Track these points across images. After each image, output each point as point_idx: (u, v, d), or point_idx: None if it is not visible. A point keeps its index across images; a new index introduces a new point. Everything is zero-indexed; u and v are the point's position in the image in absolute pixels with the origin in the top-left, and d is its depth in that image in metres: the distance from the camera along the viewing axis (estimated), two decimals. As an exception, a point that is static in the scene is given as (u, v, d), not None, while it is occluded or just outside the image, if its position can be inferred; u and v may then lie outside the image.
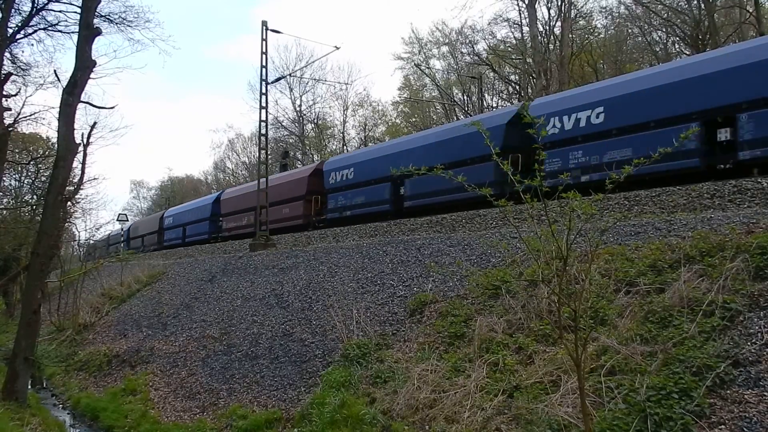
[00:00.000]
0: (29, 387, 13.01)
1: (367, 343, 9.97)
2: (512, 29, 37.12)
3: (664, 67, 14.83)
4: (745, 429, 5.29)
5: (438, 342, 9.17)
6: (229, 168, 70.05)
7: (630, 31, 34.39)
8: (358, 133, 53.09)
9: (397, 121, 52.13)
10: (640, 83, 13.51)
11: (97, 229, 35.92)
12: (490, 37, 39.26)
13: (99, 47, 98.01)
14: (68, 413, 14.02)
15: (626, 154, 12.77)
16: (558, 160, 14.34)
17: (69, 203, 22.34)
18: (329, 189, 22.94)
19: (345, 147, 51.16)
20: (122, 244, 43.56)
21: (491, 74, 41.22)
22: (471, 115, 36.58)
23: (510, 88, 41.86)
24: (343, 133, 53.04)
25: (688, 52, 28.78)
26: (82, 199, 29.54)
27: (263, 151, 24.19)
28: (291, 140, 53.89)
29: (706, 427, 5.49)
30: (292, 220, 24.43)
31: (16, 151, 28.41)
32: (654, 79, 13.31)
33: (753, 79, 11.30)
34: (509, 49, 38.06)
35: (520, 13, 35.39)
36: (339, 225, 21.09)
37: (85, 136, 19.07)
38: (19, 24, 16.29)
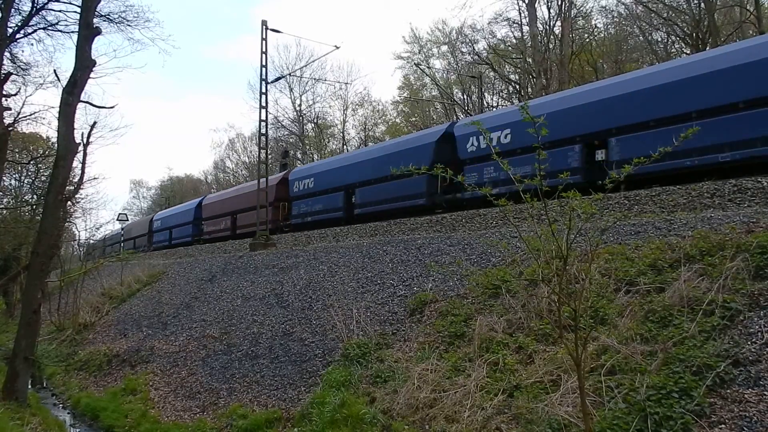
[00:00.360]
0: (29, 387, 13.00)
1: (367, 343, 9.97)
2: (512, 29, 37.16)
3: (557, 96, 17.07)
4: (745, 428, 5.29)
5: (438, 341, 9.17)
6: (229, 168, 70.12)
7: (630, 30, 34.38)
8: (358, 133, 53.16)
9: (397, 120, 52.15)
10: (536, 110, 14.42)
11: (97, 228, 36.04)
12: (490, 36, 39.31)
13: (99, 47, 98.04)
14: (68, 413, 14.03)
15: (527, 170, 13.77)
16: (476, 174, 16.37)
17: (69, 203, 22.35)
18: (293, 197, 24.88)
19: (345, 146, 51.19)
20: (122, 245, 44.05)
21: (491, 74, 41.21)
22: (471, 115, 36.63)
23: (510, 88, 41.87)
24: (343, 132, 53.10)
25: (688, 51, 28.77)
26: (82, 198, 29.61)
27: (263, 151, 24.22)
28: (291, 140, 53.90)
29: (706, 426, 5.49)
30: (262, 224, 25.68)
31: (16, 150, 28.43)
32: (547, 106, 14.95)
33: (619, 109, 13.30)
34: (509, 48, 38.06)
35: (520, 13, 35.44)
36: (302, 230, 23.06)
37: (85, 135, 19.07)
38: (19, 23, 16.31)
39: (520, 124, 14.60)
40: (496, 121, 16.22)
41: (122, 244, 44.26)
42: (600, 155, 13.73)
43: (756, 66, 11.15)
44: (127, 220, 43.53)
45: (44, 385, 17.16)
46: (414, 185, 17.99)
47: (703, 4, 27.30)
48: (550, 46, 34.19)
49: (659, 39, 33.64)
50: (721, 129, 11.37)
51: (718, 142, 11.42)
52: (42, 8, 16.16)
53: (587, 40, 35.58)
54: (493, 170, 15.89)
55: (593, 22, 36.82)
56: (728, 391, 5.71)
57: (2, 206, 28.97)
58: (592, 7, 36.75)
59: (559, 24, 33.04)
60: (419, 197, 18.22)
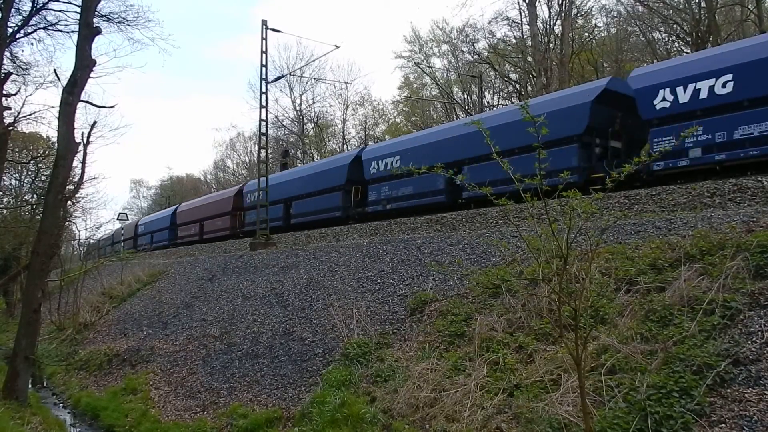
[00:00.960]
0: (30, 386, 13.01)
1: (368, 342, 9.98)
2: (512, 28, 37.13)
3: (432, 131, 21.01)
4: (745, 427, 5.29)
5: (438, 341, 9.17)
6: (229, 167, 70.16)
7: (631, 29, 34.36)
8: (359, 132, 53.18)
9: (398, 120, 52.15)
10: (417, 141, 19.83)
11: (97, 228, 36.15)
12: (490, 35, 39.28)
13: (99, 46, 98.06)
14: (69, 412, 14.04)
15: (410, 190, 19.09)
16: (375, 192, 20.45)
17: (69, 202, 22.36)
18: (246, 207, 28.47)
19: (345, 146, 51.20)
20: (122, 245, 44.81)
21: (491, 73, 41.19)
22: (471, 114, 36.66)
23: (510, 87, 41.85)
24: (343, 132, 53.13)
25: (688, 51, 28.75)
26: (83, 198, 29.62)
27: (263, 150, 24.24)
28: (291, 139, 53.91)
29: (707, 425, 5.49)
30: (222, 230, 30.65)
31: (17, 150, 28.47)
32: (424, 138, 19.59)
33: (470, 144, 16.47)
34: (509, 47, 38.04)
35: (520, 12, 35.41)
36: (252, 236, 26.24)
37: (85, 135, 19.07)
38: (19, 23, 16.31)
39: (407, 151, 19.32)
40: (390, 149, 20.56)
41: (123, 245, 45.37)
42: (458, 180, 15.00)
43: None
44: (127, 219, 44.26)
45: (44, 384, 17.17)
46: (332, 200, 22.12)
47: (703, 3, 27.27)
48: (551, 45, 34.16)
49: (659, 38, 33.62)
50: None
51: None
52: (42, 8, 16.17)
53: (588, 39, 35.54)
54: (387, 189, 20.00)
55: (594, 22, 36.80)
56: (728, 390, 5.71)
57: (2, 206, 28.99)
58: (593, 6, 36.60)
59: (560, 23, 33.01)
60: (336, 210, 22.09)
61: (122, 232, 46.05)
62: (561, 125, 13.69)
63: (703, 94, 13.05)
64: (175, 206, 40.93)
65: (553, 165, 13.61)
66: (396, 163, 19.43)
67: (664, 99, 14.15)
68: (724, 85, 12.33)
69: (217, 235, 29.75)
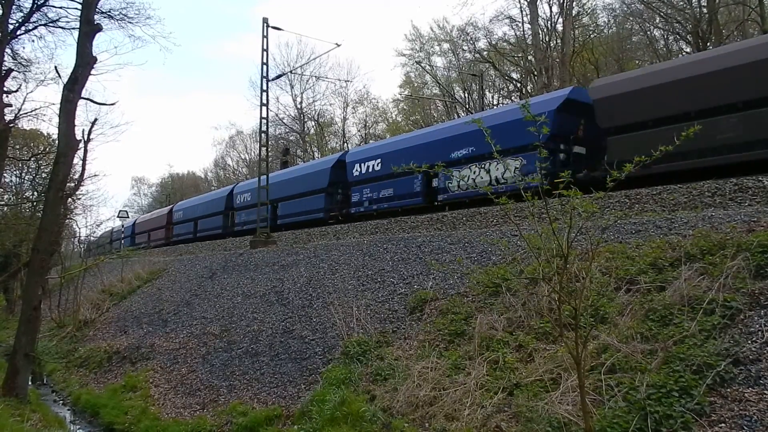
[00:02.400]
0: (30, 383, 13.02)
1: (368, 341, 9.98)
2: (513, 27, 37.07)
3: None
4: (745, 427, 5.29)
5: (438, 339, 9.18)
6: (230, 165, 70.15)
7: (632, 28, 34.29)
8: (359, 130, 53.17)
9: (398, 118, 52.11)
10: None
11: (98, 225, 36.21)
12: (491, 34, 39.24)
13: (99, 43, 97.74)
14: (69, 409, 14.04)
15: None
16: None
17: (69, 200, 22.32)
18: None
19: (346, 144, 51.22)
20: (122, 242, 45.34)
21: (492, 72, 41.14)
22: (471, 113, 36.62)
23: (511, 86, 41.81)
24: (343, 130, 53.12)
25: (689, 50, 28.70)
26: (83, 195, 29.57)
27: (264, 148, 24.24)
28: (292, 137, 53.91)
29: (707, 425, 5.49)
30: (159, 239, 38.04)
31: (17, 147, 28.43)
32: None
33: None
34: (510, 46, 37.98)
35: (521, 11, 35.34)
36: (185, 242, 32.63)
37: (86, 132, 19.11)
38: (20, 20, 16.30)
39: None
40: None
41: (122, 242, 46.37)
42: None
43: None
44: (128, 217, 45.06)
45: (44, 381, 17.18)
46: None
47: (704, 2, 27.21)
48: (552, 44, 34.11)
49: (660, 37, 33.56)
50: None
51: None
52: (43, 5, 16.15)
53: (589, 37, 35.46)
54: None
55: (596, 20, 36.69)
56: (728, 390, 5.71)
57: (3, 203, 28.97)
58: (595, 4, 36.39)
59: (561, 22, 32.95)
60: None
61: (122, 229, 46.59)
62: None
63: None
64: (136, 217, 46.03)
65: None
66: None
67: (356, 170, 19.72)
68: (378, 165, 19.95)
69: (156, 243, 34.52)
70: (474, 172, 16.52)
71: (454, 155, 16.94)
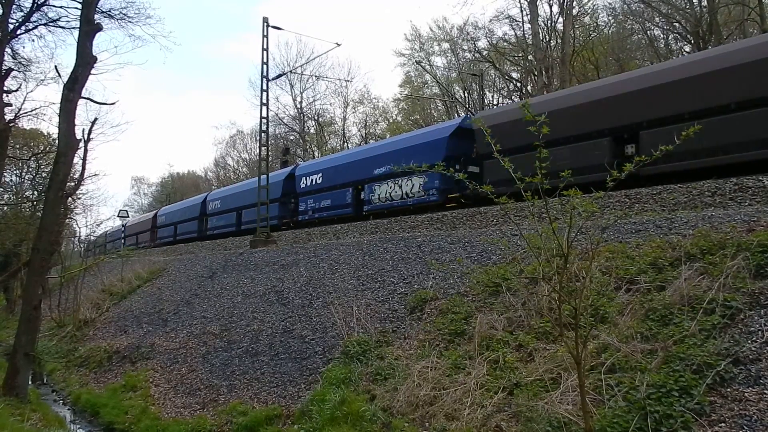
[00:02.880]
0: (30, 383, 13.02)
1: (368, 340, 9.98)
2: (513, 26, 37.05)
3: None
4: (745, 427, 5.29)
5: (438, 339, 9.17)
6: (230, 165, 70.12)
7: (632, 27, 34.26)
8: (359, 130, 53.16)
9: (398, 118, 52.09)
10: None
11: (98, 225, 36.25)
12: (491, 34, 39.21)
13: (100, 43, 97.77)
14: (69, 409, 14.04)
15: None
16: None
17: (70, 199, 22.33)
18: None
19: (346, 143, 51.26)
20: (123, 242, 45.82)
21: (492, 72, 41.12)
22: (471, 112, 36.63)
23: (511, 86, 41.81)
24: (343, 129, 53.11)
25: (689, 50, 28.68)
26: (83, 195, 29.60)
27: (263, 148, 24.24)
28: (292, 137, 53.90)
29: (706, 425, 5.49)
30: (145, 241, 40.72)
31: (17, 146, 28.41)
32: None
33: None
34: (510, 46, 37.96)
35: (521, 10, 35.32)
36: (167, 245, 35.42)
37: (86, 132, 19.14)
38: (20, 19, 16.29)
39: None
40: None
41: (114, 243, 47.72)
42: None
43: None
44: (128, 216, 45.32)
45: (44, 381, 17.17)
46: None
47: (704, 1, 27.19)
48: (552, 43, 34.09)
49: (661, 36, 33.54)
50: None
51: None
52: (43, 4, 16.13)
53: (590, 37, 35.43)
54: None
55: (596, 20, 36.66)
56: (728, 389, 5.71)
57: (3, 202, 28.98)
58: (596, 4, 36.39)
59: (561, 21, 32.93)
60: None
61: (114, 232, 48.17)
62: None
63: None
64: (155, 210, 48.32)
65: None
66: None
67: (304, 182, 23.15)
68: (319, 179, 22.90)
69: (142, 246, 36.63)
70: (390, 187, 19.53)
71: (377, 172, 20.05)
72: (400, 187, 19.02)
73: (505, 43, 38.28)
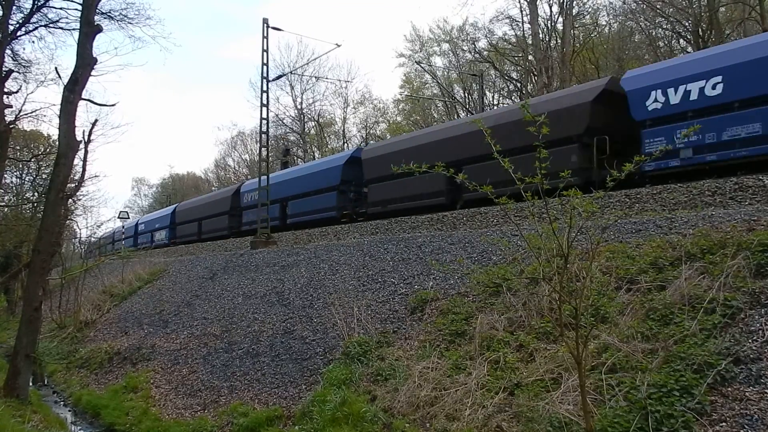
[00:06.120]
0: (30, 384, 13.02)
1: (368, 341, 9.98)
2: (513, 27, 37.07)
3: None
4: (746, 426, 5.29)
5: (439, 340, 9.17)
6: (230, 165, 70.16)
7: (632, 27, 34.26)
8: (360, 131, 53.18)
9: (398, 119, 52.11)
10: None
11: (98, 226, 36.25)
12: (491, 34, 39.23)
13: (100, 44, 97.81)
14: (69, 410, 14.05)
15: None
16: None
17: (70, 200, 22.36)
18: (139, 233, 42.79)
19: (346, 144, 51.28)
20: (122, 243, 46.05)
21: (492, 72, 41.15)
22: (472, 113, 36.67)
23: (511, 86, 41.82)
24: (343, 130, 53.14)
25: (690, 50, 28.68)
26: (84, 196, 29.70)
27: (264, 149, 24.25)
28: (292, 138, 53.93)
29: (707, 424, 5.49)
30: (130, 245, 42.10)
31: (18, 148, 28.50)
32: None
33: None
34: (510, 46, 37.98)
35: (521, 11, 35.34)
36: (146, 249, 36.09)
37: (87, 133, 19.16)
38: (20, 21, 16.33)
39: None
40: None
41: (124, 242, 46.65)
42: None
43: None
44: (128, 217, 45.88)
45: (45, 382, 17.19)
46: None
47: (704, 1, 27.18)
48: (552, 43, 34.10)
49: (661, 35, 33.52)
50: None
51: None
52: (43, 5, 16.18)
53: (591, 37, 35.44)
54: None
55: (596, 19, 36.65)
56: (729, 389, 5.71)
57: (3, 204, 29.02)
58: (597, 5, 36.34)
59: (561, 21, 32.94)
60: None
61: (106, 236, 48.58)
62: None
63: (144, 227, 40.35)
64: (137, 219, 51.85)
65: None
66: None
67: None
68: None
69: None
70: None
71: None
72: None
73: (505, 44, 38.31)
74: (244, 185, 30.44)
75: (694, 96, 12.01)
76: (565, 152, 13.43)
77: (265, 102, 23.22)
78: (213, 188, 63.79)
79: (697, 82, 11.97)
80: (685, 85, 12.18)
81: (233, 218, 29.66)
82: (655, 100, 12.63)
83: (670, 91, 12.36)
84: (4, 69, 15.74)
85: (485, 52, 39.66)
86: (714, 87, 11.73)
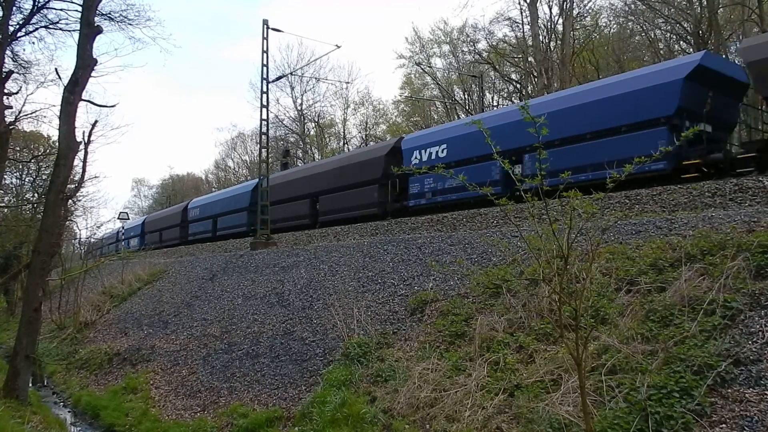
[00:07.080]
0: (30, 385, 13.00)
1: (368, 342, 9.97)
2: (513, 28, 37.10)
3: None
4: (746, 428, 5.29)
5: (439, 341, 9.17)
6: (230, 167, 70.20)
7: (632, 28, 34.29)
8: (360, 132, 53.19)
9: (398, 120, 52.12)
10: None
11: (98, 227, 36.23)
12: (491, 36, 39.27)
13: (100, 45, 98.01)
14: (69, 411, 14.04)
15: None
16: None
17: (70, 201, 22.36)
18: (190, 220, 40.11)
19: (346, 145, 51.29)
20: (122, 245, 46.29)
21: (492, 73, 41.17)
22: (472, 114, 36.70)
23: (511, 87, 41.83)
24: (343, 131, 53.16)
25: (690, 51, 28.69)
26: (83, 197, 29.70)
27: (264, 150, 24.25)
28: (292, 139, 53.95)
29: (707, 425, 5.48)
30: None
31: (18, 149, 28.51)
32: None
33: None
34: (510, 47, 38.00)
35: (521, 12, 35.38)
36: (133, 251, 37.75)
37: (87, 134, 19.11)
38: (20, 22, 16.31)
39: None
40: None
41: (126, 243, 47.03)
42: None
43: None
44: (128, 218, 45.94)
45: (45, 383, 17.17)
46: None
47: (705, 2, 27.20)
48: (552, 45, 34.12)
49: (661, 37, 33.54)
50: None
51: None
52: (43, 6, 16.16)
53: (591, 38, 35.43)
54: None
55: (597, 20, 36.63)
56: (729, 390, 5.71)
57: (3, 205, 29.00)
58: (598, 6, 36.44)
59: (561, 22, 32.96)
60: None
61: (123, 231, 47.64)
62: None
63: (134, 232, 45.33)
64: (144, 217, 53.24)
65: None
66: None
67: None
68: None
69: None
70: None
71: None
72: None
73: (505, 45, 38.33)
74: (191, 201, 34.65)
75: (434, 156, 18.18)
76: (369, 191, 20.88)
77: (265, 103, 23.23)
78: (213, 189, 63.83)
79: (436, 147, 18.29)
80: (429, 149, 18.64)
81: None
82: (416, 157, 19.12)
83: (423, 152, 18.91)
84: (4, 70, 15.73)
85: (485, 54, 39.68)
86: (443, 151, 17.98)
